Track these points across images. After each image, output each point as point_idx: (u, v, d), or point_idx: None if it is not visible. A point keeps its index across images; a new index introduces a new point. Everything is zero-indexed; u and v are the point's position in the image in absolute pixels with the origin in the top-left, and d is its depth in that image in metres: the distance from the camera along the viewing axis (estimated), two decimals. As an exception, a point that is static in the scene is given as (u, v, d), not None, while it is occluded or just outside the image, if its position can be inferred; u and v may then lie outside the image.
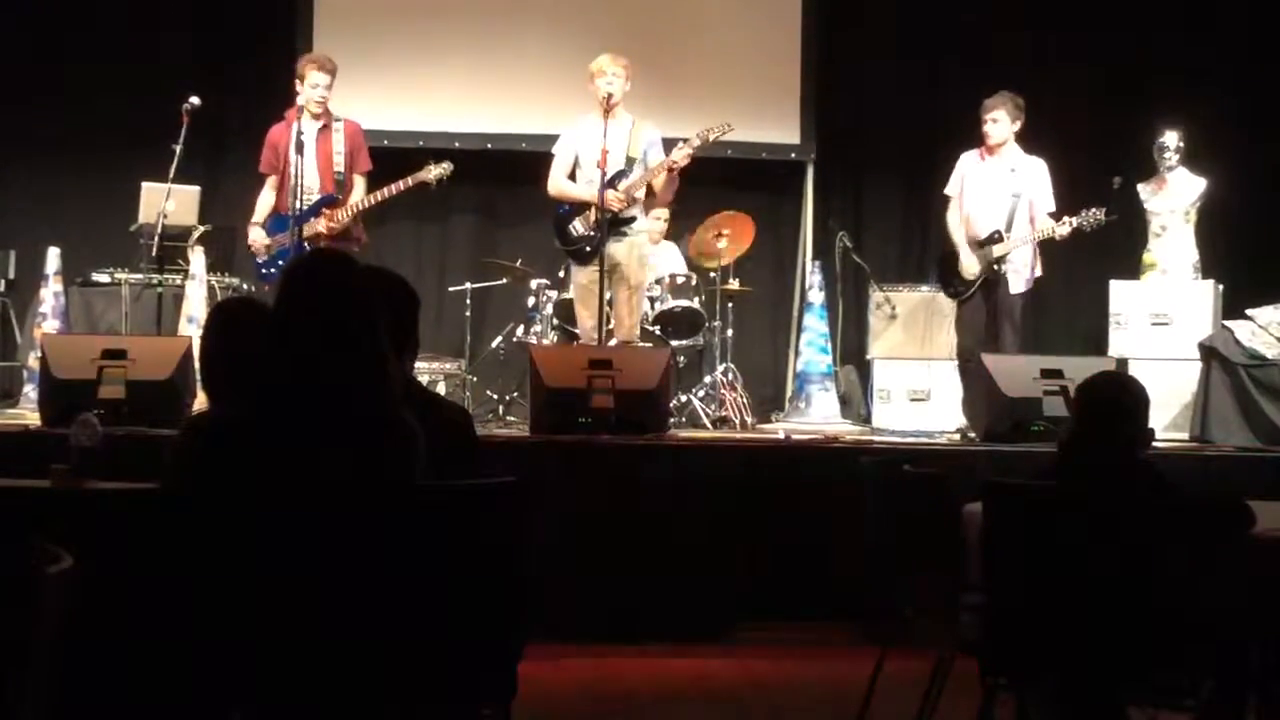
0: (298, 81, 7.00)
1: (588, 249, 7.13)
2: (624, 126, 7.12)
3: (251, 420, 2.72)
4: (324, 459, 2.68)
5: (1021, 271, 7.13)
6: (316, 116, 6.97)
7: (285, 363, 2.74)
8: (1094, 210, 6.94)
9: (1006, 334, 7.07)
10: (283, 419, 2.70)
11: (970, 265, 7.12)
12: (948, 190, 7.38)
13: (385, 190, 7.03)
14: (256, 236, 7.08)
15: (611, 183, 7.02)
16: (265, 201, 7.13)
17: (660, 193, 7.28)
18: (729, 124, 7.12)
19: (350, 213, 7.00)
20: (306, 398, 2.71)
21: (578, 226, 7.17)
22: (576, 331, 7.65)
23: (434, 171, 7.04)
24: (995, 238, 7.08)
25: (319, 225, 6.93)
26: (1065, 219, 7.00)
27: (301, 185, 6.79)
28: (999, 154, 7.19)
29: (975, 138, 7.27)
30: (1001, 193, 7.15)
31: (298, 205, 6.82)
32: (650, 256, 7.67)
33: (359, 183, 7.08)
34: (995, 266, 7.07)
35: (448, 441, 2.99)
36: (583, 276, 7.22)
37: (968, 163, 7.32)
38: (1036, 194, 7.14)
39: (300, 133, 6.79)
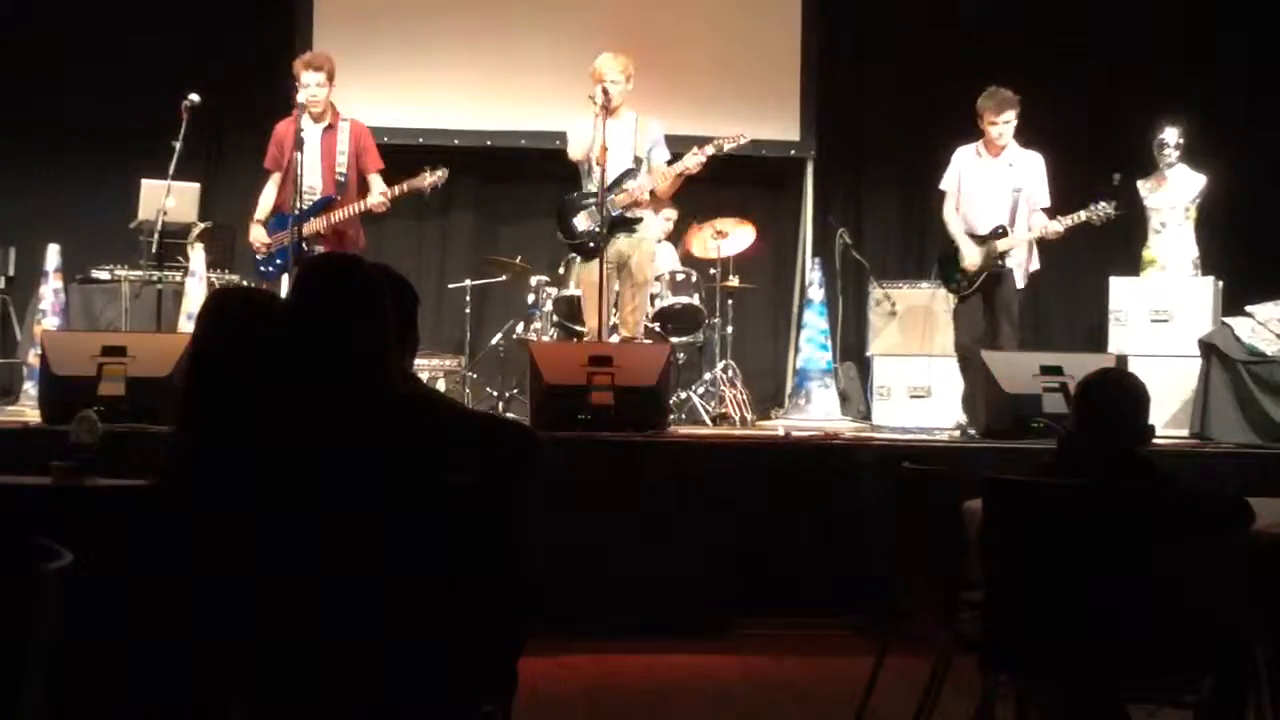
0: (295, 83, 7.00)
1: (591, 245, 7.13)
2: (628, 125, 7.13)
3: (252, 418, 2.73)
4: (324, 458, 2.68)
5: (1022, 266, 7.13)
6: (317, 117, 6.96)
7: (288, 362, 2.75)
8: (1103, 204, 6.90)
9: (1005, 330, 7.05)
10: (284, 418, 2.70)
11: (972, 258, 7.08)
12: (943, 185, 7.30)
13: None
14: (257, 235, 7.09)
15: (619, 181, 7.03)
16: (268, 198, 7.13)
17: (663, 191, 7.29)
18: (744, 135, 7.14)
19: (360, 209, 6.98)
20: (308, 397, 2.71)
21: (584, 221, 7.16)
22: (576, 329, 7.64)
23: (429, 179, 7.02)
24: (999, 232, 7.04)
25: (319, 225, 6.93)
26: (1074, 214, 6.97)
27: (302, 184, 6.79)
28: (998, 150, 7.17)
29: (975, 133, 7.24)
30: (1002, 188, 7.11)
31: (298, 205, 6.82)
32: (656, 254, 7.66)
33: (376, 180, 7.08)
34: (999, 261, 7.05)
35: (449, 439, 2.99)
36: (591, 274, 7.20)
37: (964, 158, 7.25)
38: (1033, 189, 7.10)
39: (300, 130, 6.79)
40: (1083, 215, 6.94)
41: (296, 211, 6.82)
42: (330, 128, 7.03)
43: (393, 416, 2.78)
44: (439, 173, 7.03)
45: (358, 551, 2.63)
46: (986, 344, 6.96)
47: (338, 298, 2.83)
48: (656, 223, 8.09)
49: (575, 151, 7.16)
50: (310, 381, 2.74)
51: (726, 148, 7.10)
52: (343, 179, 7.01)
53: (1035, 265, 7.21)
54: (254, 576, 2.61)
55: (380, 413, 2.76)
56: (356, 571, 2.63)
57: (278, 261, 6.99)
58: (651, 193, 7.21)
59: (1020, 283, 7.12)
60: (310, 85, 6.92)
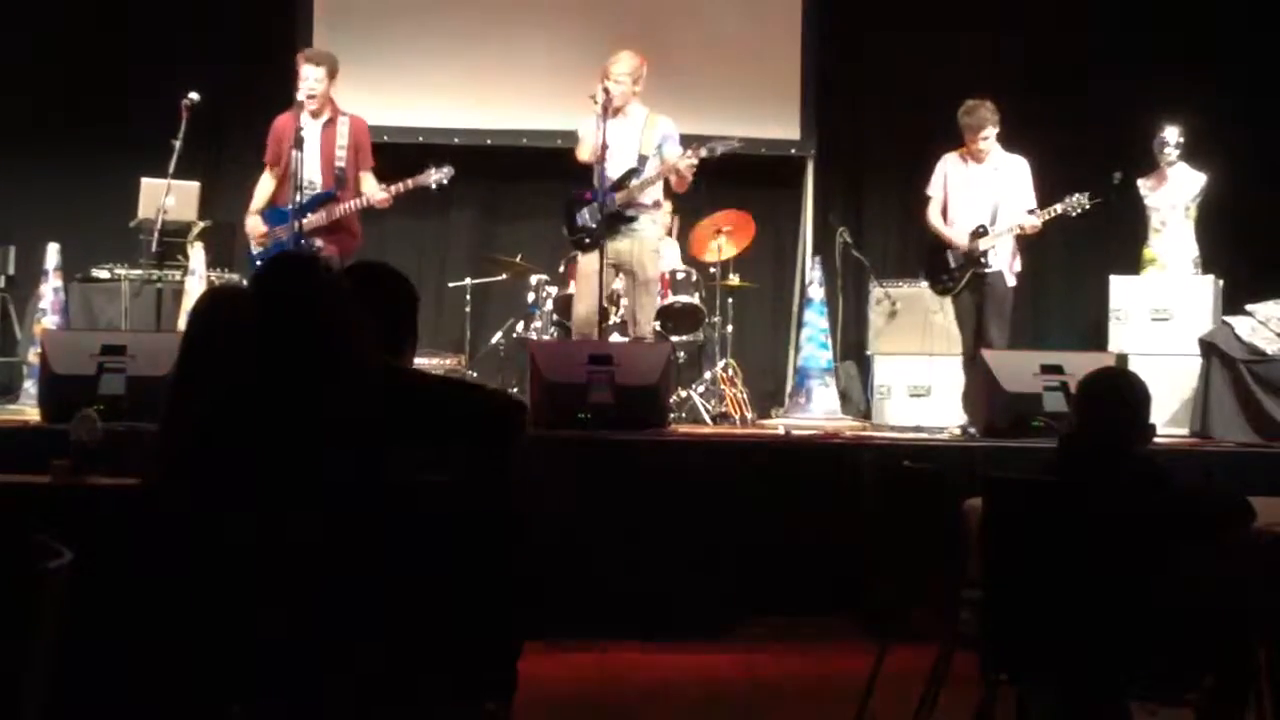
0: (296, 77, 7.00)
1: (587, 240, 7.14)
2: (635, 123, 7.11)
3: (225, 417, 2.73)
4: (315, 457, 2.68)
5: (1007, 265, 7.18)
6: (315, 113, 6.96)
7: (252, 365, 2.76)
8: (1078, 195, 6.98)
9: (994, 330, 7.11)
10: (255, 419, 2.70)
11: (957, 252, 7.17)
12: (929, 191, 7.40)
13: (387, 191, 7.01)
14: (253, 224, 7.06)
15: (621, 181, 7.02)
16: (264, 190, 7.11)
17: (675, 185, 7.26)
18: (737, 140, 7.12)
19: (361, 204, 6.98)
20: (273, 399, 2.72)
21: (584, 216, 7.16)
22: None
23: (434, 176, 7.01)
24: (980, 232, 7.12)
25: (319, 219, 6.92)
26: (1050, 207, 7.04)
27: (301, 179, 6.78)
28: (983, 156, 7.23)
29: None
30: (986, 192, 7.20)
31: (297, 199, 6.82)
32: (659, 252, 7.64)
33: (367, 178, 7.06)
34: (981, 260, 7.09)
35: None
36: (587, 266, 7.21)
37: (950, 164, 7.34)
38: (1018, 192, 7.18)
39: (300, 128, 6.78)
40: (1058, 208, 7.03)
41: (294, 206, 6.82)
42: (330, 123, 7.02)
43: (371, 409, 2.78)
44: (444, 170, 7.02)
45: (357, 552, 2.63)
46: (978, 342, 7.03)
47: (293, 296, 2.83)
48: (654, 220, 8.08)
49: (583, 153, 7.16)
50: (283, 380, 2.74)
51: (719, 151, 7.06)
52: (341, 174, 6.99)
53: (1019, 266, 7.28)
54: (253, 576, 2.60)
55: (358, 406, 2.76)
56: (356, 572, 2.63)
57: (286, 251, 6.97)
58: (667, 185, 7.19)
59: (1007, 282, 7.17)
60: (309, 79, 6.92)
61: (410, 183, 7.00)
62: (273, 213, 7.03)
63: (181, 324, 7.51)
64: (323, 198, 6.94)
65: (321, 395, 2.74)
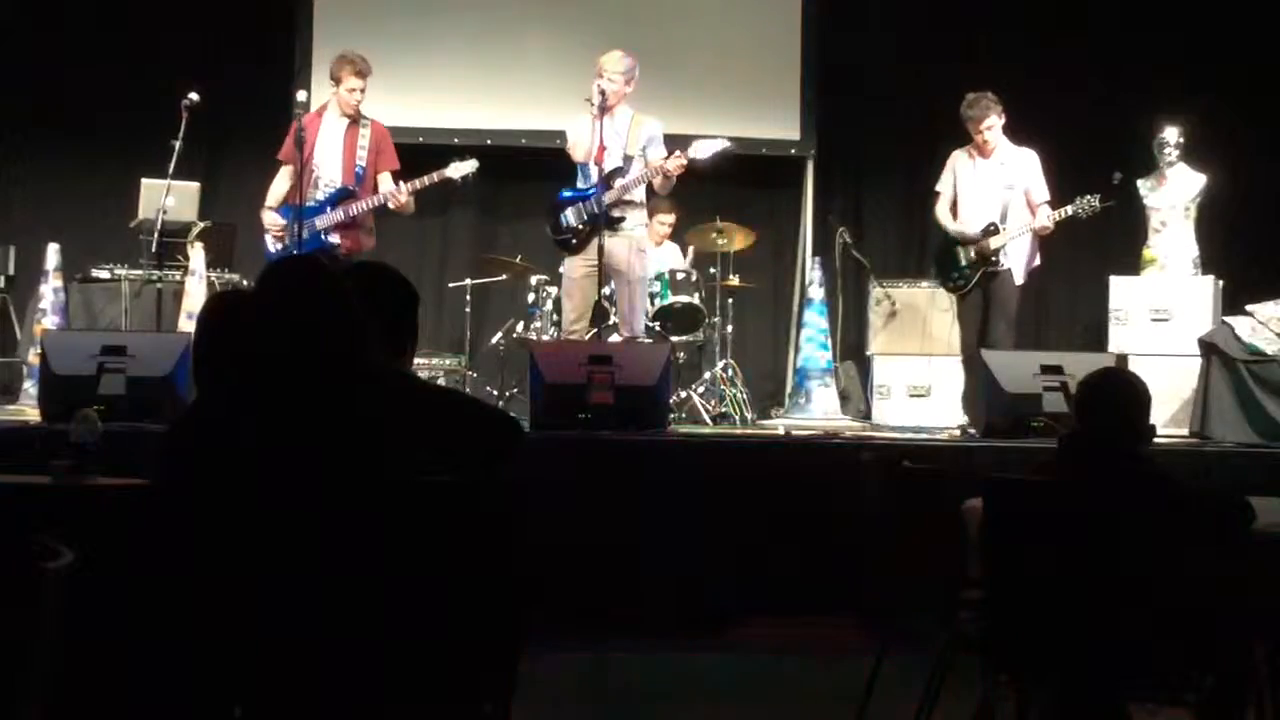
0: (332, 82, 7.02)
1: (573, 241, 7.15)
2: (623, 123, 7.12)
3: (229, 418, 2.73)
4: (310, 458, 2.68)
5: (1020, 263, 7.21)
6: (347, 116, 7.03)
7: (256, 363, 2.77)
8: (1088, 197, 7.03)
9: (1000, 328, 7.12)
10: (255, 418, 2.71)
11: (969, 252, 7.19)
12: (939, 187, 7.43)
13: (409, 185, 7.01)
14: (271, 220, 7.07)
15: (608, 179, 7.02)
16: (279, 187, 7.12)
17: (659, 187, 7.26)
18: (730, 144, 7.10)
19: (378, 201, 6.99)
20: (276, 397, 2.72)
21: (569, 217, 7.17)
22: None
23: (459, 170, 7.02)
24: (991, 230, 7.13)
25: (336, 216, 6.93)
26: (1061, 208, 7.08)
27: (304, 180, 6.79)
28: (990, 151, 7.24)
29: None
30: (995, 187, 7.23)
31: (316, 197, 6.86)
32: (649, 253, 7.64)
33: (386, 180, 7.08)
34: (993, 259, 7.12)
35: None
36: (573, 269, 7.23)
37: (959, 160, 7.37)
38: (1030, 185, 7.21)
39: (302, 129, 6.79)
40: (1069, 210, 7.08)
41: (313, 203, 6.85)
42: (354, 124, 7.06)
43: (373, 409, 2.78)
44: (468, 163, 7.04)
45: (355, 552, 2.63)
46: (982, 340, 7.03)
47: (298, 297, 2.83)
48: (654, 224, 8.09)
49: (577, 153, 7.16)
50: (286, 381, 2.75)
51: (709, 154, 7.00)
52: (361, 174, 7.03)
53: (1037, 262, 7.31)
54: (251, 577, 2.60)
55: (361, 407, 2.77)
56: (354, 572, 2.63)
57: (293, 254, 6.98)
58: (650, 190, 7.19)
59: (1020, 279, 7.21)
60: (356, 90, 6.98)
61: (436, 176, 7.02)
62: (288, 209, 7.04)
63: (182, 325, 7.52)
64: (341, 194, 6.96)
65: (325, 396, 2.74)
